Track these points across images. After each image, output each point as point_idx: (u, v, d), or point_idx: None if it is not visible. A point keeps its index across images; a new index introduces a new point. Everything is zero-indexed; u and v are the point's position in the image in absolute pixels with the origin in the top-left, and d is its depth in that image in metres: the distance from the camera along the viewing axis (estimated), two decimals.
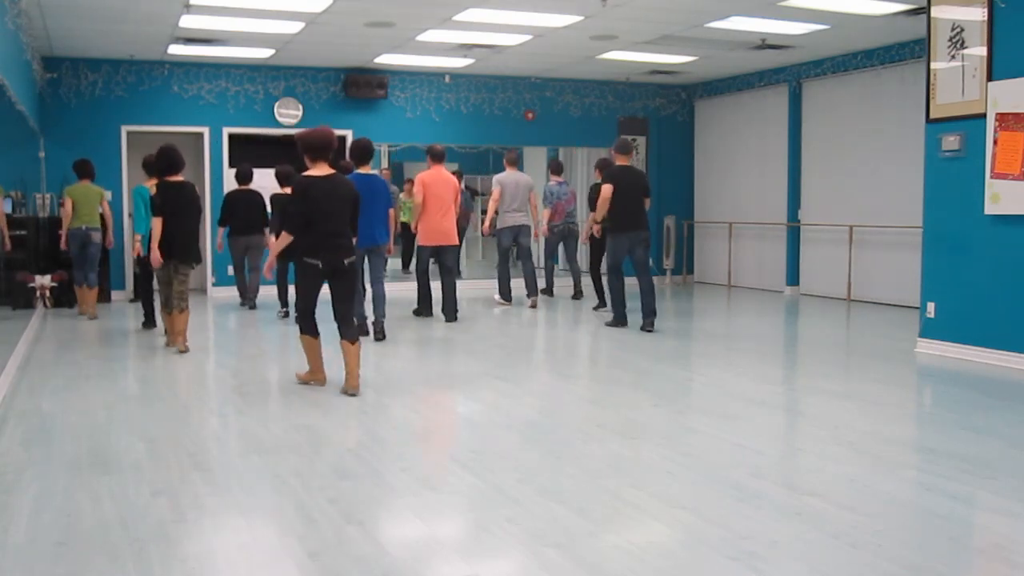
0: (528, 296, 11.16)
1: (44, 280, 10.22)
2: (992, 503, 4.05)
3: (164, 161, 7.79)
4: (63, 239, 10.21)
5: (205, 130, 12.46)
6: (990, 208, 7.23)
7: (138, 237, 8.92)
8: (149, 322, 9.40)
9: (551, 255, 12.42)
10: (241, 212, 10.73)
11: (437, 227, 9.60)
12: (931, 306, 7.82)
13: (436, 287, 9.94)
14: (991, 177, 7.19)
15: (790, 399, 6.44)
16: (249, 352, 7.79)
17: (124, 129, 12.11)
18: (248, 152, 12.27)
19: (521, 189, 11.13)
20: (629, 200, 9.04)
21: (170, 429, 5.33)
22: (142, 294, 9.50)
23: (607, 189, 9.04)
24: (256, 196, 10.83)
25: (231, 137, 12.52)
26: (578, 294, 11.95)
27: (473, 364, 7.54)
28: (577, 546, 3.45)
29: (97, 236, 10.25)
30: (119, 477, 4.35)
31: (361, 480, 4.37)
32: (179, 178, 7.85)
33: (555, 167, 11.84)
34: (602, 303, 10.76)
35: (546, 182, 11.90)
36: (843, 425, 5.41)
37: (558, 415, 5.82)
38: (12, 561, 3.36)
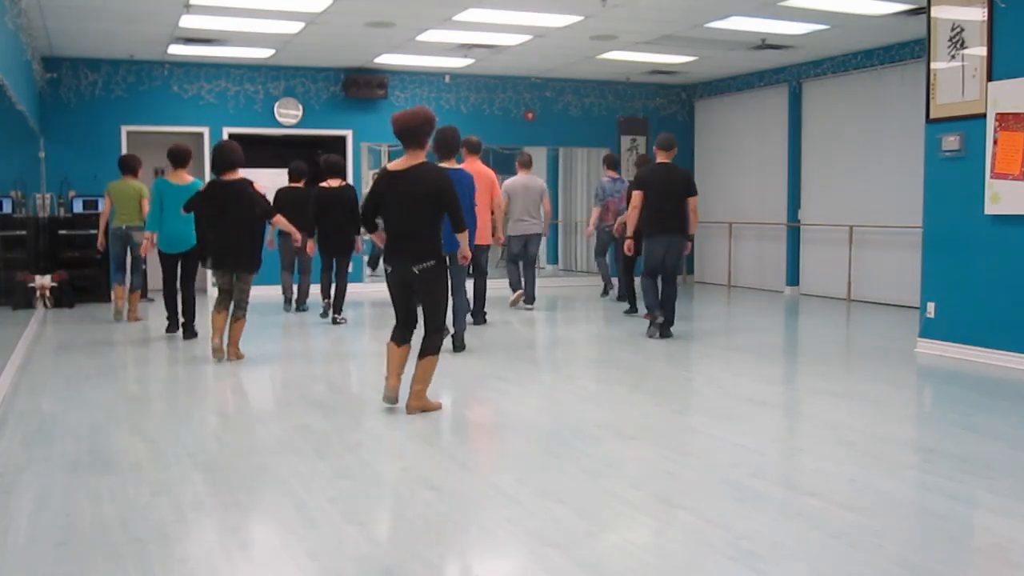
0: (525, 301, 10.79)
1: (44, 280, 10.21)
2: (992, 503, 4.05)
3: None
4: (100, 239, 10.07)
5: (205, 130, 12.47)
6: (990, 208, 7.22)
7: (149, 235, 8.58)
8: (187, 330, 8.67)
9: (602, 252, 11.64)
10: (289, 210, 9.98)
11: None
12: (931, 306, 7.82)
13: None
14: (991, 177, 7.19)
15: (790, 399, 6.44)
16: (250, 352, 7.78)
17: (124, 129, 12.12)
18: (248, 152, 12.20)
19: (532, 195, 10.68)
20: (662, 202, 8.34)
21: (170, 429, 5.34)
22: (171, 296, 8.79)
23: (636, 196, 8.42)
24: (303, 194, 10.14)
25: (231, 137, 12.50)
26: (621, 296, 11.30)
27: (474, 364, 7.53)
28: (577, 546, 3.45)
29: (139, 236, 9.48)
30: (119, 477, 4.35)
31: (361, 480, 4.37)
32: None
33: (609, 162, 11.40)
34: (633, 308, 10.35)
35: (599, 177, 11.71)
36: (843, 425, 5.41)
37: (558, 415, 5.82)
38: (12, 561, 3.36)
